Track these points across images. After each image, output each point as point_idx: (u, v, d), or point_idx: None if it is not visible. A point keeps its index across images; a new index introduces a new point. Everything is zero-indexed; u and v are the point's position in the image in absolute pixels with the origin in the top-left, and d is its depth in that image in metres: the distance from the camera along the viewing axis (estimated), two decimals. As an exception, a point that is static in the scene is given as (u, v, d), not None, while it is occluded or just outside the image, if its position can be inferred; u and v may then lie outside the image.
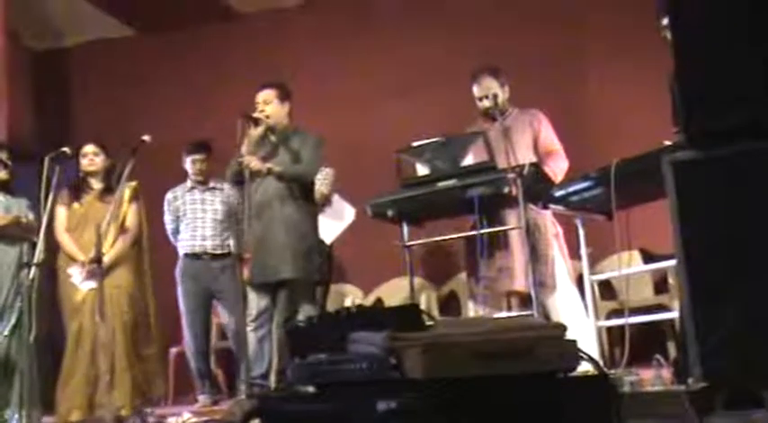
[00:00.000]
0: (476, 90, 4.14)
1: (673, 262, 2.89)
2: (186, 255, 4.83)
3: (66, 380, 4.02)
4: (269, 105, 4.21)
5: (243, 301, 4.05)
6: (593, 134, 5.44)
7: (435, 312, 5.40)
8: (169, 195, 4.97)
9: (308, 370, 1.82)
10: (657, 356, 2.47)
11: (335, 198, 5.03)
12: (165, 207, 4.95)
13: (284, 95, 4.28)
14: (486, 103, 4.08)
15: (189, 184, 4.94)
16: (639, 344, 3.04)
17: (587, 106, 5.72)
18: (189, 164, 4.91)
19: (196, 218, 4.84)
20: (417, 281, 4.84)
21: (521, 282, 3.79)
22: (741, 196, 1.93)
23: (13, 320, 4.00)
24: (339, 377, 1.66)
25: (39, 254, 3.82)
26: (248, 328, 4.10)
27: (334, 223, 4.94)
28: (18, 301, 3.98)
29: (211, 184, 4.90)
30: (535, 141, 4.13)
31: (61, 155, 3.94)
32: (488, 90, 4.09)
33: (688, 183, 2.06)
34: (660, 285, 4.98)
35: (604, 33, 5.64)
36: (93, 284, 3.79)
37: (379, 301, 1.86)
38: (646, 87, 4.90)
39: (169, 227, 4.95)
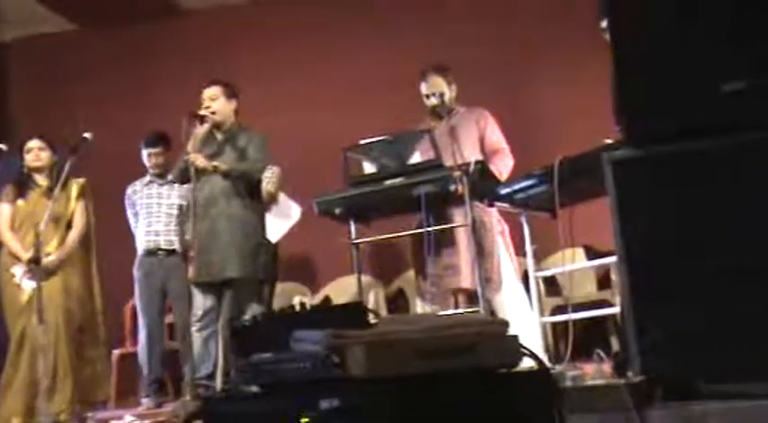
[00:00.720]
0: (423, 88, 4.16)
1: (615, 258, 2.95)
2: (142, 251, 4.74)
3: (6, 385, 3.91)
4: (215, 102, 4.18)
5: (188, 300, 4.00)
6: (539, 133, 5.51)
7: (383, 310, 5.40)
8: (128, 190, 4.90)
9: (252, 369, 1.80)
10: (598, 351, 2.51)
11: (282, 197, 4.99)
12: (126, 201, 4.87)
13: (231, 93, 4.26)
14: (434, 101, 4.11)
15: (147, 178, 4.86)
16: (583, 339, 3.08)
17: (534, 106, 5.79)
18: (146, 157, 4.83)
19: (151, 213, 4.77)
20: (365, 279, 4.83)
21: (467, 279, 3.82)
22: (680, 195, 1.98)
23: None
24: (282, 376, 1.64)
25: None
26: (193, 328, 4.05)
27: (280, 222, 4.89)
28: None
29: (170, 178, 4.80)
30: (481, 140, 4.16)
31: (-2, 151, 3.85)
32: (436, 88, 4.12)
33: (628, 180, 2.10)
34: (603, 281, 5.08)
35: (552, 34, 5.71)
36: (34, 284, 3.70)
37: (326, 299, 1.85)
38: (592, 87, 4.98)
39: (131, 221, 4.85)
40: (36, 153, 4.19)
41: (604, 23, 2.58)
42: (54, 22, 6.67)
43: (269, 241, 4.59)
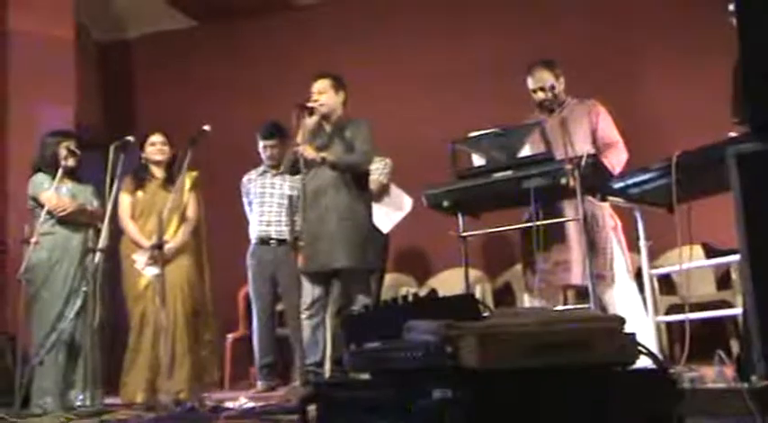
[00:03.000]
0: (530, 82, 4.10)
1: (736, 257, 2.82)
2: (255, 240, 4.89)
3: (130, 363, 4.14)
4: (323, 95, 4.25)
5: (297, 289, 4.10)
6: (654, 128, 5.33)
7: (490, 304, 5.38)
8: (244, 179, 5.05)
9: (364, 357, 1.83)
10: (719, 352, 2.41)
11: (393, 188, 5.03)
12: (242, 190, 5.04)
13: (339, 85, 4.31)
14: (542, 95, 4.04)
15: (262, 167, 5.00)
16: (700, 340, 2.96)
17: (649, 100, 5.61)
18: (261, 148, 4.97)
19: (263, 202, 4.89)
20: (472, 272, 4.82)
21: (578, 276, 3.74)
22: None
23: (78, 304, 4.13)
24: (395, 365, 1.66)
25: (103, 240, 3.94)
26: (303, 316, 4.15)
27: (392, 213, 4.94)
28: (83, 286, 4.11)
29: (281, 170, 4.92)
30: (593, 133, 4.06)
31: (126, 144, 4.06)
32: (543, 82, 4.04)
33: (753, 176, 2.01)
34: (723, 281, 4.86)
35: (664, 24, 5.52)
36: (156, 270, 3.90)
37: (433, 291, 1.86)
38: (707, 78, 4.78)
39: (246, 210, 5.01)
40: (160, 147, 4.40)
41: (732, 7, 2.46)
42: (174, 19, 7.00)
43: (378, 231, 4.64)
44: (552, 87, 4.01)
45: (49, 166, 4.30)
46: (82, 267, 4.21)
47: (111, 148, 4.00)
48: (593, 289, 3.45)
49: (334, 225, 4.10)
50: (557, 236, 3.79)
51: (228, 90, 6.66)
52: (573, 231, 3.75)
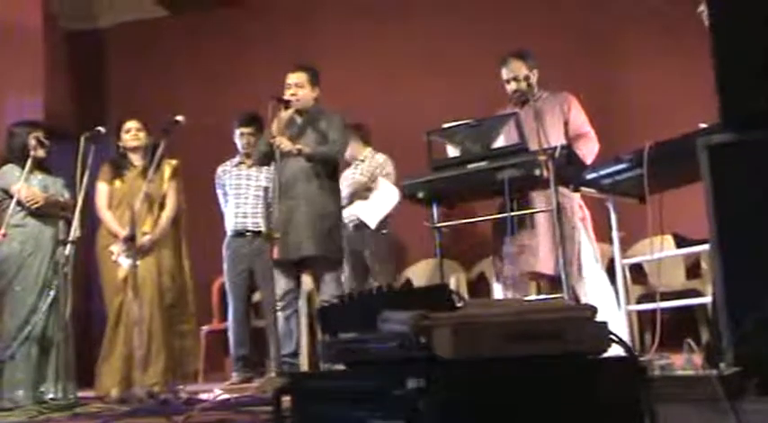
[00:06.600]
0: (504, 73, 4.11)
1: (706, 247, 2.86)
2: (231, 232, 4.86)
3: (106, 356, 4.09)
4: (302, 89, 4.24)
5: (271, 281, 4.09)
6: (626, 119, 5.37)
7: (464, 294, 5.40)
8: (219, 170, 5.00)
9: (339, 348, 1.84)
10: (688, 340, 2.45)
11: (381, 181, 5.03)
12: (216, 181, 4.99)
13: (315, 80, 4.32)
14: (514, 86, 4.06)
15: (237, 158, 4.96)
16: (670, 329, 3.01)
17: (621, 88, 5.65)
18: (237, 136, 4.92)
19: (239, 194, 4.86)
20: (447, 262, 4.84)
21: (545, 264, 3.76)
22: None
23: (51, 296, 4.09)
24: (369, 355, 1.67)
25: (74, 231, 3.89)
26: (277, 308, 4.14)
27: (379, 206, 4.95)
28: (55, 278, 4.06)
29: (251, 161, 4.87)
30: (565, 124, 4.08)
31: (97, 134, 4.00)
32: (517, 72, 4.06)
33: (724, 166, 2.04)
34: (693, 270, 4.93)
35: (637, 16, 5.56)
36: (131, 261, 3.86)
37: (407, 282, 1.86)
38: (679, 70, 4.84)
39: (221, 201, 4.98)
40: (135, 133, 4.33)
41: (702, 7, 2.50)
42: (146, 8, 6.91)
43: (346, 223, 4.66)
44: (527, 78, 4.02)
45: (17, 156, 4.24)
46: (54, 260, 4.15)
47: (82, 139, 3.95)
48: (566, 278, 3.48)
49: (303, 216, 4.11)
50: (526, 224, 3.81)
51: (200, 80, 6.59)
52: (542, 219, 3.77)
